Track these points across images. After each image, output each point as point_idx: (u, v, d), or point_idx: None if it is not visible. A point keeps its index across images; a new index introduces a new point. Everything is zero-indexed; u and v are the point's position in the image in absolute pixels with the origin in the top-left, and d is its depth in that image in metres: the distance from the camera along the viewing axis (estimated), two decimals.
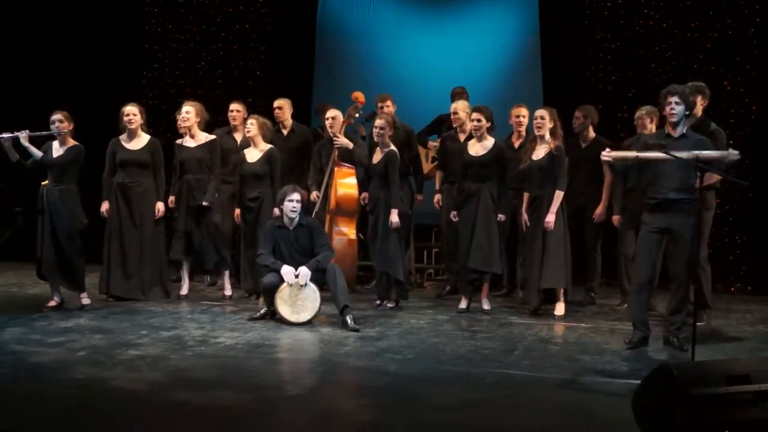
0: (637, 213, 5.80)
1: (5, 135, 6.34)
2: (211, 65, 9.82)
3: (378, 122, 6.82)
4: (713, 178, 5.67)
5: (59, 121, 6.47)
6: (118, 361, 4.74)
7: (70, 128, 6.53)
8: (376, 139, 6.84)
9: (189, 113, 7.14)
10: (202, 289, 7.64)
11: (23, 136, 6.34)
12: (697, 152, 4.97)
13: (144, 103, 7.54)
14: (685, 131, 5.27)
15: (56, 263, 6.36)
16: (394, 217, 6.63)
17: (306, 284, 5.98)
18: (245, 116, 7.63)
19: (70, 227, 6.38)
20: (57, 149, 6.51)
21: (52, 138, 6.54)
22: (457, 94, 7.68)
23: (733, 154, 5.01)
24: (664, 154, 4.94)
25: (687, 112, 5.27)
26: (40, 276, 6.52)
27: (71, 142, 6.53)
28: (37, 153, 6.42)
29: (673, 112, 5.21)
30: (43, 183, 6.47)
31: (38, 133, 6.46)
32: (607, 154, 5.28)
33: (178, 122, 7.25)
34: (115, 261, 6.87)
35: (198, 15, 9.85)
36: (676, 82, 6.35)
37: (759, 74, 8.26)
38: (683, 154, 4.95)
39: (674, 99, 5.21)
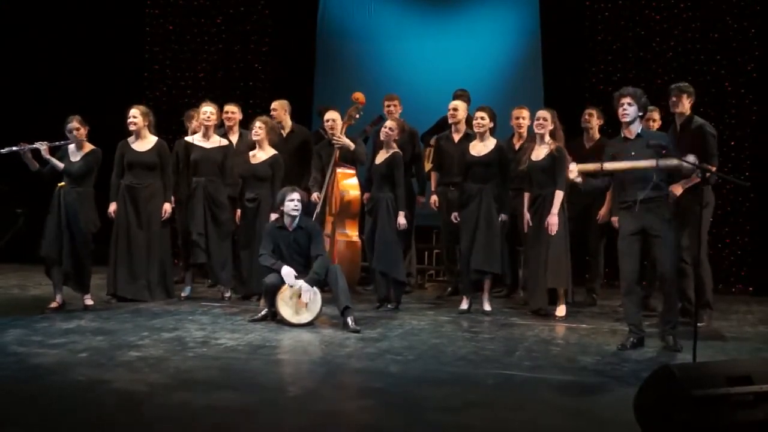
0: None
1: (25, 146, 6.39)
2: (212, 66, 9.83)
3: (389, 123, 6.84)
4: (693, 180, 5.77)
5: (75, 129, 6.52)
6: (119, 363, 4.74)
7: (86, 133, 6.58)
8: (382, 139, 6.85)
9: (213, 114, 7.11)
10: (203, 290, 7.64)
11: (43, 148, 6.42)
12: (656, 161, 5.11)
13: (144, 104, 7.53)
14: (640, 131, 5.41)
15: (71, 264, 6.37)
16: (401, 219, 6.63)
17: (312, 295, 5.98)
18: (240, 118, 7.61)
19: (85, 229, 6.40)
20: (74, 154, 6.54)
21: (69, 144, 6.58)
22: (458, 97, 7.69)
23: (689, 159, 5.05)
24: (628, 163, 5.18)
25: (641, 113, 5.40)
26: (49, 274, 6.50)
27: (88, 146, 6.58)
28: (59, 164, 6.45)
29: (626, 112, 5.36)
30: (59, 184, 6.47)
31: (57, 143, 6.51)
32: (573, 169, 5.36)
33: (198, 121, 7.16)
34: (122, 263, 6.88)
35: (199, 16, 9.86)
36: (677, 82, 6.39)
37: (759, 74, 8.27)
38: (645, 163, 5.14)
39: (626, 100, 5.35)
